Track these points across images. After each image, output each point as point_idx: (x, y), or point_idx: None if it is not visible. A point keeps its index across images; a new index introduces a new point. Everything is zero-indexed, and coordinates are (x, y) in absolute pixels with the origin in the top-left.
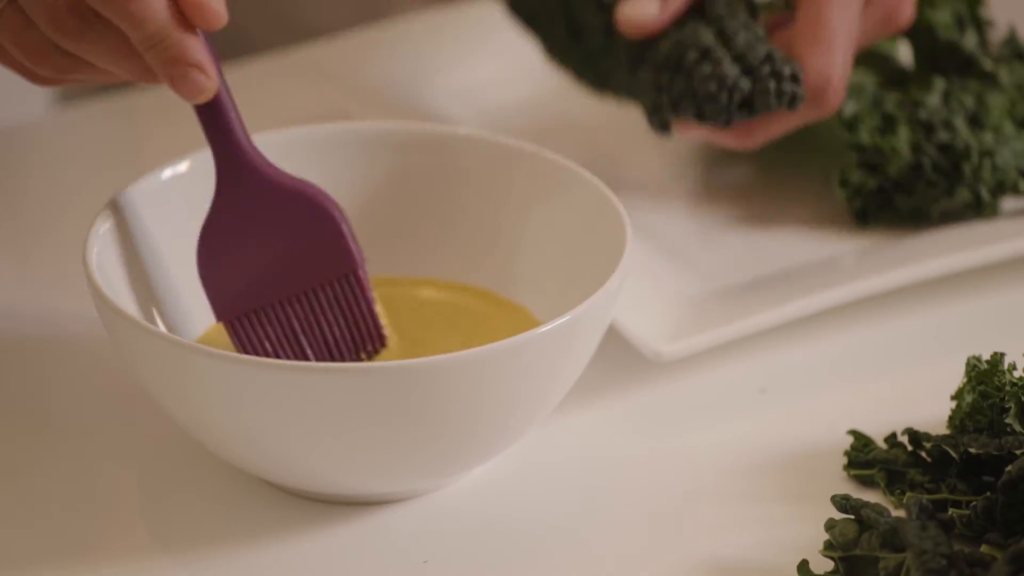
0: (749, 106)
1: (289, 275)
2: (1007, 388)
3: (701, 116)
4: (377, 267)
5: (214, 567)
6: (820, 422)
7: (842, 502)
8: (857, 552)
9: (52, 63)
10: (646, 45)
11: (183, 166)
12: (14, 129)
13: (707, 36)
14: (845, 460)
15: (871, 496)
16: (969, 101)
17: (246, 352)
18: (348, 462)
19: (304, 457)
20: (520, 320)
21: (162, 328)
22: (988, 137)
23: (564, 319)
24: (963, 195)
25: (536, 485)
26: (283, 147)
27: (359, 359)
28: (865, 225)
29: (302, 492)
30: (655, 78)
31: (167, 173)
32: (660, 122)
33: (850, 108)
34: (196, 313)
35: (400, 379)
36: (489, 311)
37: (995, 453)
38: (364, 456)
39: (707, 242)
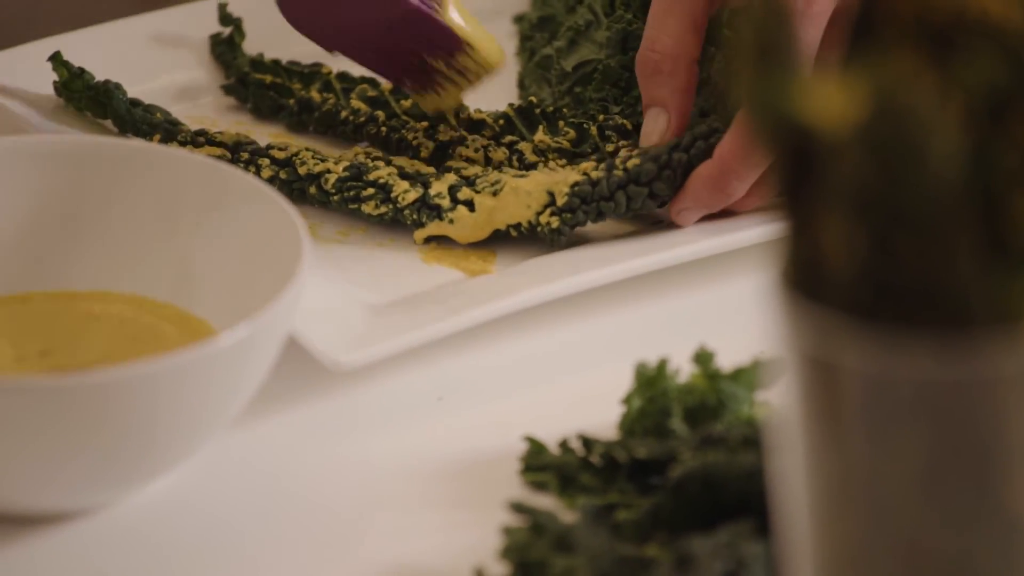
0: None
1: None
2: (672, 393)
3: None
4: (53, 282)
5: None
6: (497, 428)
7: (517, 507)
8: (531, 556)
9: None
10: None
11: None
12: None
13: None
14: (521, 465)
15: (546, 501)
16: None
17: None
18: (9, 475)
19: None
20: (199, 332)
21: None
22: None
23: (238, 331)
24: None
25: (215, 497)
26: None
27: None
28: None
29: None
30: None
31: None
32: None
33: None
34: None
35: (67, 395)
36: (167, 324)
37: (660, 457)
38: (28, 470)
39: (390, 251)
